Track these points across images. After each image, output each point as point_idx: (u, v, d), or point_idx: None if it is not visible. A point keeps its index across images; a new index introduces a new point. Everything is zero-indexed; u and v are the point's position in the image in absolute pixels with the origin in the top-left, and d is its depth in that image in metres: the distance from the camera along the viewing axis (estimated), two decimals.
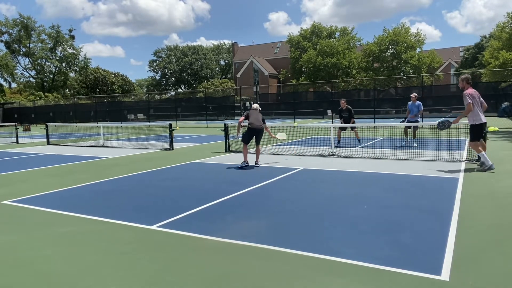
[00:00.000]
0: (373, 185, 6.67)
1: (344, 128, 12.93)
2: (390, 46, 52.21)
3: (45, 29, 56.70)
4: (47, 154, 12.78)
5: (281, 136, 9.97)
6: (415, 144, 11.77)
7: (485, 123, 7.80)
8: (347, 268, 3.32)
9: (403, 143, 12.08)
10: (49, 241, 4.26)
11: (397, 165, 8.60)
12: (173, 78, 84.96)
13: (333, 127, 11.39)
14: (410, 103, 12.21)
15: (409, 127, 12.11)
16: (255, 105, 9.54)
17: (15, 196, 6.39)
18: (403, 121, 12.65)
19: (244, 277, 3.23)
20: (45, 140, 16.79)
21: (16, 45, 55.63)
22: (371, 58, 53.50)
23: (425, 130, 14.97)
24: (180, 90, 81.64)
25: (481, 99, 7.87)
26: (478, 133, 7.73)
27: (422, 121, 11.80)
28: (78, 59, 59.98)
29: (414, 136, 12.08)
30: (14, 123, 19.85)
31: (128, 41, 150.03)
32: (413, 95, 12.38)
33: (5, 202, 6.06)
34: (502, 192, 5.90)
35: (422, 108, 12.37)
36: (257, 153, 9.20)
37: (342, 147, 12.02)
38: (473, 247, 3.71)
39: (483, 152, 7.71)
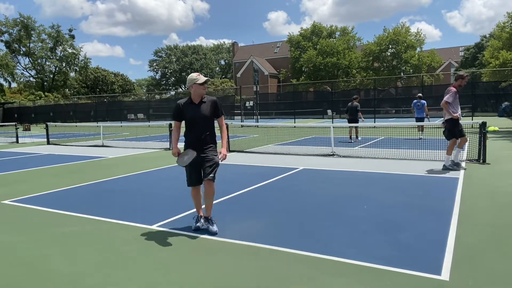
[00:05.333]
0: (373, 185, 6.66)
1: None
2: (390, 46, 52.20)
3: (45, 29, 56.88)
4: (47, 154, 12.78)
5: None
6: (421, 137, 14.02)
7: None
8: (347, 268, 3.32)
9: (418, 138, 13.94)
10: (49, 241, 4.26)
11: (397, 165, 8.60)
12: (173, 78, 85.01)
13: (333, 127, 11.42)
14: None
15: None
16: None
17: (15, 196, 6.39)
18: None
19: (244, 277, 3.23)
20: (45, 140, 16.79)
21: (16, 45, 55.70)
22: (371, 58, 53.49)
23: (426, 130, 14.98)
24: (180, 90, 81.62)
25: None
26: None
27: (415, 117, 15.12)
28: (78, 59, 60.06)
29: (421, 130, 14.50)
30: (14, 123, 19.86)
31: (127, 40, 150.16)
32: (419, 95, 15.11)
33: (5, 202, 6.06)
34: (502, 192, 5.90)
35: (412, 106, 14.88)
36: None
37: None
38: (473, 247, 3.71)
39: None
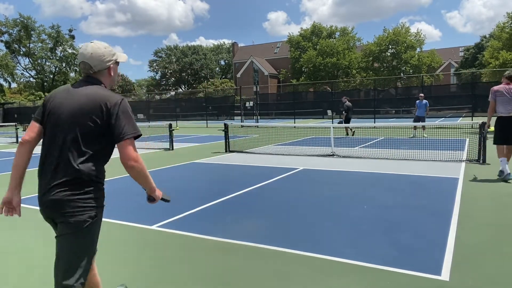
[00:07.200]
0: (373, 185, 6.66)
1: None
2: (390, 46, 52.23)
3: (45, 29, 56.75)
4: None
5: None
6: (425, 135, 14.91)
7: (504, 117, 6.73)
8: (347, 268, 3.31)
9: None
10: (49, 241, 4.24)
11: (397, 165, 8.60)
12: (173, 78, 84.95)
13: (332, 127, 11.44)
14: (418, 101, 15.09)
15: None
16: None
17: None
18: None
19: (244, 277, 3.23)
20: None
21: (16, 45, 55.64)
22: (371, 58, 53.52)
23: (426, 130, 14.99)
24: (180, 90, 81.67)
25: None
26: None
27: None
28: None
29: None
30: (14, 123, 19.85)
31: (127, 41, 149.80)
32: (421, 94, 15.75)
33: None
34: (502, 192, 5.90)
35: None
36: None
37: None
38: (473, 247, 3.70)
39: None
